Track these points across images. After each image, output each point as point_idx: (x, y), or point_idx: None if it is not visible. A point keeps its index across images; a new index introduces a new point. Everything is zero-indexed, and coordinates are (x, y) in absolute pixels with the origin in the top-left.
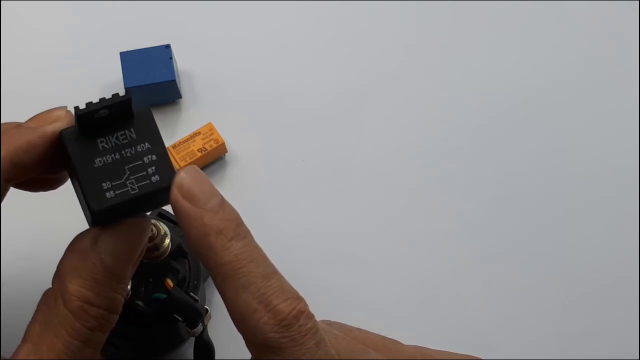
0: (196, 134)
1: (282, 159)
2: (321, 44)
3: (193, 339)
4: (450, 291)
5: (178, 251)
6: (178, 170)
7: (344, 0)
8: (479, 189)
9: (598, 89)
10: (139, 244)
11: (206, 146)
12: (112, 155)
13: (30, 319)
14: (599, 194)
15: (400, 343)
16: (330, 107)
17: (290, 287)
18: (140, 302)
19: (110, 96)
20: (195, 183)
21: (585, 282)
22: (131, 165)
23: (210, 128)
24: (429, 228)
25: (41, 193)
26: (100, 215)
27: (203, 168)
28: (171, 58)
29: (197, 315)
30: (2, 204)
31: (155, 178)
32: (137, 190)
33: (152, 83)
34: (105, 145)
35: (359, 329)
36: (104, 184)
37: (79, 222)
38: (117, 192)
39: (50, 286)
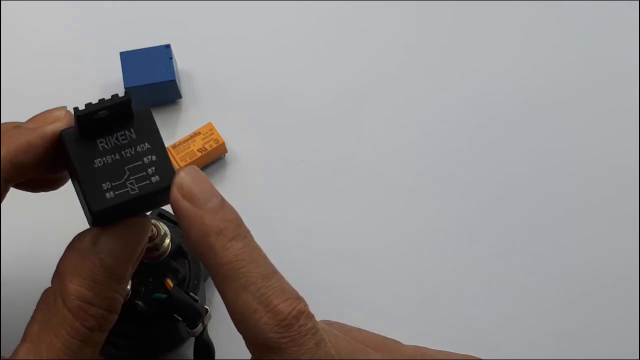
0: (196, 134)
1: (282, 159)
2: (321, 44)
3: (193, 339)
4: (450, 291)
5: (178, 251)
6: (178, 170)
7: (344, 0)
8: (478, 189)
9: (598, 89)
10: (139, 244)
11: (206, 146)
12: (112, 156)
13: (29, 319)
14: (599, 194)
15: (400, 343)
16: (330, 107)
17: (290, 287)
18: (140, 302)
19: (109, 97)
20: (195, 183)
21: (585, 282)
22: (131, 165)
23: (210, 128)
24: (429, 228)
25: (41, 193)
26: (100, 215)
27: (203, 168)
28: (171, 58)
29: (197, 315)
30: (2, 204)
31: (155, 178)
32: (137, 191)
33: (152, 83)
34: (105, 146)
35: (359, 329)
36: (104, 185)
37: (79, 222)
38: (117, 192)
39: (50, 285)
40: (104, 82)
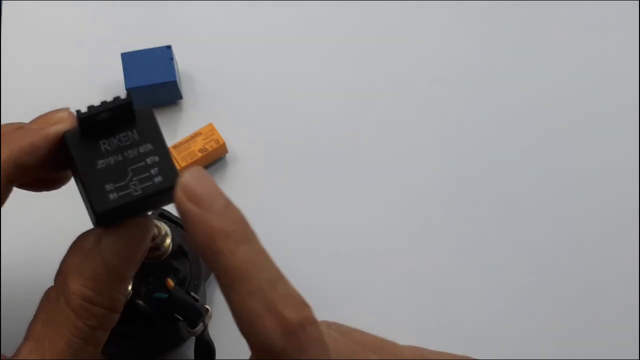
0: (197, 134)
1: (283, 160)
2: (322, 44)
3: (193, 338)
4: (449, 292)
5: (179, 251)
6: (182, 171)
7: (345, 1)
8: (479, 190)
9: (598, 89)
10: (142, 245)
11: (207, 147)
12: (115, 157)
13: (31, 318)
14: (599, 196)
15: (398, 344)
16: (330, 108)
17: (297, 292)
18: (141, 302)
19: (111, 99)
20: (200, 184)
21: (585, 282)
22: (134, 166)
23: (210, 128)
24: (428, 229)
25: (42, 193)
26: (104, 216)
27: (204, 168)
28: (172, 59)
29: (198, 315)
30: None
31: (158, 179)
32: (140, 192)
33: (153, 84)
34: (108, 147)
35: (357, 330)
36: (107, 186)
37: (81, 222)
38: (120, 193)
39: (52, 285)
40: (105, 82)
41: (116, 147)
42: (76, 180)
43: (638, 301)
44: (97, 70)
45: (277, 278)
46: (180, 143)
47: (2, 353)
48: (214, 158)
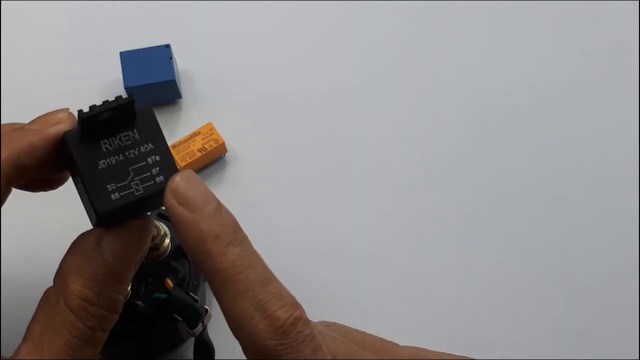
0: (196, 134)
1: (282, 159)
2: (321, 44)
3: (193, 339)
4: (449, 292)
5: (178, 251)
6: (173, 175)
7: (344, 1)
8: (477, 187)
9: (598, 90)
10: (142, 246)
11: (206, 146)
12: (116, 157)
13: (30, 319)
14: (599, 194)
15: (397, 345)
16: (330, 107)
17: (288, 293)
18: (140, 302)
19: (113, 98)
20: (190, 188)
21: (585, 282)
22: (135, 166)
23: (210, 128)
24: (428, 228)
25: (42, 193)
26: (105, 216)
27: (203, 168)
28: (171, 58)
29: (197, 315)
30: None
31: (159, 178)
32: (141, 192)
33: (152, 83)
34: (109, 147)
35: (357, 331)
36: (108, 186)
37: (80, 222)
38: (122, 193)
39: (51, 285)
40: (104, 82)
41: (117, 147)
42: (75, 181)
43: (638, 301)
44: (96, 69)
45: (268, 279)
46: (180, 142)
47: (1, 353)
48: (213, 158)
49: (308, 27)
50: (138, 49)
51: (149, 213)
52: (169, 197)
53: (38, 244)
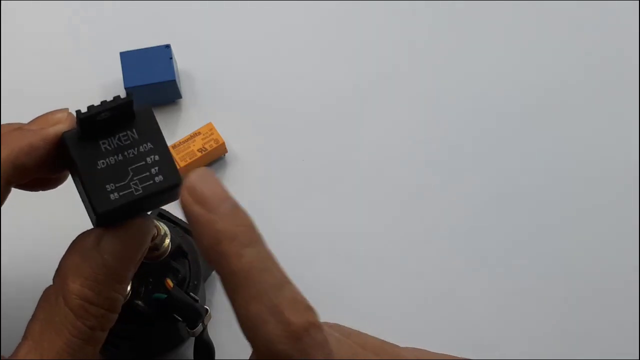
0: (196, 134)
1: (282, 159)
2: (321, 44)
3: (193, 339)
4: (450, 293)
5: (178, 251)
6: (189, 173)
7: (344, 0)
8: (478, 190)
9: (598, 90)
10: (142, 246)
11: (206, 146)
12: (115, 157)
13: (30, 318)
14: (600, 196)
15: (398, 346)
16: (330, 107)
17: (302, 297)
18: (140, 302)
19: (111, 98)
20: (206, 186)
21: (585, 282)
22: (134, 166)
23: (210, 128)
24: (429, 229)
25: (41, 193)
26: (105, 216)
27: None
28: (171, 58)
29: (197, 315)
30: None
31: (158, 178)
32: (141, 191)
33: (152, 83)
34: (108, 147)
35: (358, 332)
36: (107, 186)
37: (79, 221)
38: (121, 193)
39: (51, 284)
40: (104, 82)
41: (116, 147)
42: (75, 181)
43: (638, 301)
44: (96, 69)
45: (283, 282)
46: (180, 143)
47: (1, 353)
48: (214, 158)
49: (308, 27)
50: (138, 49)
51: (149, 213)
52: (185, 195)
53: (38, 244)
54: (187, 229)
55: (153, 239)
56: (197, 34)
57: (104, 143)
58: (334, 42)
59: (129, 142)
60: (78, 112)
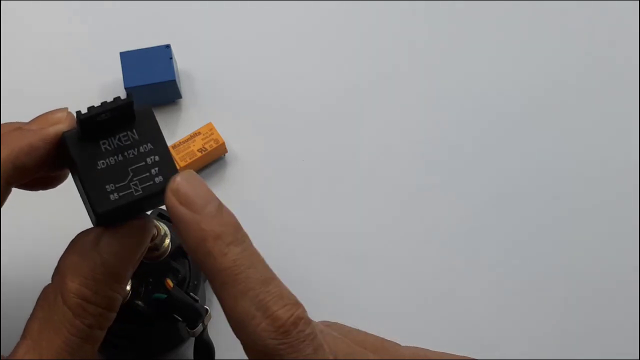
0: (196, 134)
1: (282, 159)
2: (321, 44)
3: (193, 339)
4: (450, 292)
5: (178, 251)
6: (174, 175)
7: (344, 0)
8: (479, 190)
9: (598, 90)
10: (141, 245)
11: (206, 146)
12: (115, 157)
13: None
14: (600, 196)
15: (399, 345)
16: (330, 108)
17: (289, 292)
18: (140, 302)
19: (112, 99)
20: (191, 188)
21: (586, 282)
22: (134, 166)
23: (210, 128)
24: (429, 229)
25: (41, 192)
26: (104, 216)
27: (203, 168)
28: (171, 58)
29: (197, 315)
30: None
31: (158, 179)
32: (141, 192)
33: (152, 83)
34: (108, 147)
35: (358, 331)
36: (107, 186)
37: (79, 221)
38: (121, 194)
39: (50, 283)
40: (104, 82)
41: (116, 147)
42: (75, 181)
43: (638, 301)
44: (96, 69)
45: (269, 278)
46: (180, 143)
47: (1, 353)
48: (214, 158)
49: (308, 27)
50: (138, 49)
51: (148, 213)
52: (170, 197)
53: (38, 244)
54: None
55: (153, 239)
56: (197, 34)
57: (104, 143)
58: (334, 42)
59: (129, 142)
60: (78, 113)
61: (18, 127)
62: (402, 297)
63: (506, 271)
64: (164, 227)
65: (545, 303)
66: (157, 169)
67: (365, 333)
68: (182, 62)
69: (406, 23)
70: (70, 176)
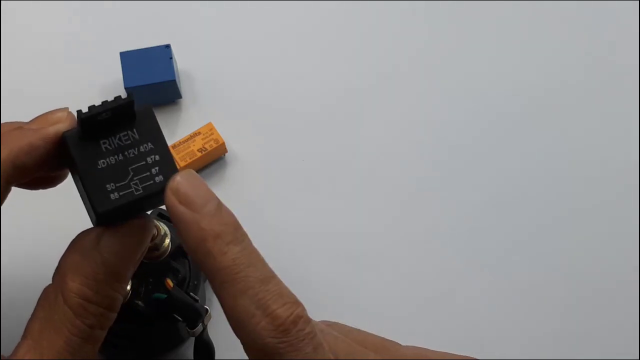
0: (196, 134)
1: (282, 159)
2: (321, 44)
3: (193, 339)
4: (450, 292)
5: (178, 251)
6: (173, 175)
7: (344, 0)
8: (479, 190)
9: (598, 90)
10: (141, 245)
11: (206, 146)
12: (116, 157)
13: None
14: (600, 196)
15: (399, 344)
16: (330, 107)
17: (289, 291)
18: (140, 302)
19: (112, 98)
20: (191, 187)
21: (586, 282)
22: (135, 166)
23: (210, 128)
24: (429, 229)
25: (41, 192)
26: (105, 216)
27: (203, 168)
28: (171, 58)
29: (197, 315)
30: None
31: (159, 178)
32: (141, 191)
33: (152, 83)
34: (108, 147)
35: (358, 330)
36: (108, 186)
37: (80, 221)
38: (121, 193)
39: (51, 283)
40: (104, 82)
41: (116, 147)
42: (75, 180)
43: (638, 301)
44: (96, 69)
45: (269, 277)
46: (180, 143)
47: (1, 353)
48: (214, 158)
49: (308, 27)
50: (138, 49)
51: (149, 212)
52: (169, 196)
53: (38, 244)
54: None
55: (153, 239)
56: (197, 34)
57: (104, 143)
58: (334, 42)
59: (129, 142)
60: (79, 112)
61: (18, 126)
62: (402, 297)
63: (506, 271)
64: (164, 227)
65: (545, 303)
66: (157, 168)
67: (366, 333)
68: (182, 62)
69: (406, 23)
70: (70, 176)
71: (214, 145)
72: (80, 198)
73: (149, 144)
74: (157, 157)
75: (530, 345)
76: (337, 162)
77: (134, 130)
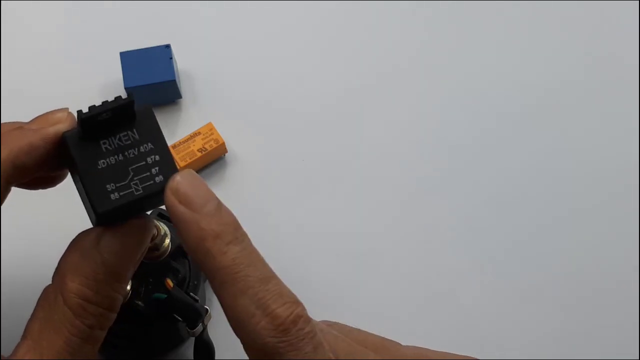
0: (196, 134)
1: (282, 159)
2: (321, 44)
3: (193, 339)
4: (450, 292)
5: (178, 251)
6: (173, 175)
7: (345, 0)
8: (479, 190)
9: (598, 90)
10: (141, 245)
11: (206, 146)
12: (116, 157)
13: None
14: (600, 196)
15: (399, 344)
16: (330, 107)
17: (289, 291)
18: (140, 302)
19: (112, 98)
20: (191, 187)
21: (586, 282)
22: (135, 166)
23: (210, 128)
24: (429, 229)
25: (41, 192)
26: (105, 216)
27: (203, 168)
28: (171, 58)
29: (197, 315)
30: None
31: (159, 178)
32: (141, 191)
33: (152, 83)
34: (109, 147)
35: (359, 330)
36: (108, 186)
37: (80, 221)
38: (121, 193)
39: (50, 283)
40: (104, 82)
41: (116, 147)
42: (75, 180)
43: (638, 301)
44: (96, 69)
45: (268, 277)
46: (180, 143)
47: (1, 353)
48: (214, 158)
49: (308, 27)
50: (138, 49)
51: (149, 212)
52: (169, 196)
53: (38, 244)
54: None
55: (153, 239)
56: (197, 34)
57: (104, 143)
58: (334, 42)
59: (129, 142)
60: (79, 112)
61: (18, 126)
62: (403, 297)
63: (506, 271)
64: (164, 227)
65: (545, 303)
66: (157, 168)
67: (366, 332)
68: (182, 62)
69: (406, 23)
70: (70, 176)
71: (214, 145)
72: (80, 198)
73: (149, 144)
74: (157, 157)
75: (530, 345)
76: (337, 162)
77: (134, 130)
